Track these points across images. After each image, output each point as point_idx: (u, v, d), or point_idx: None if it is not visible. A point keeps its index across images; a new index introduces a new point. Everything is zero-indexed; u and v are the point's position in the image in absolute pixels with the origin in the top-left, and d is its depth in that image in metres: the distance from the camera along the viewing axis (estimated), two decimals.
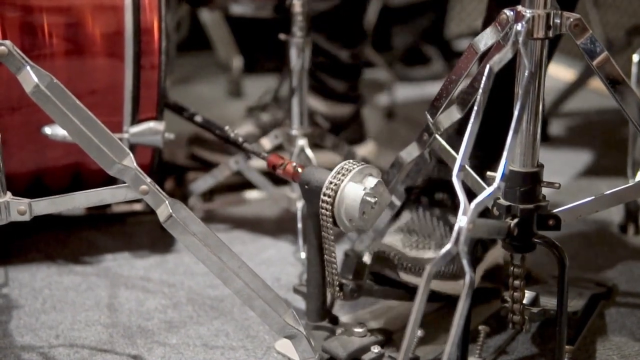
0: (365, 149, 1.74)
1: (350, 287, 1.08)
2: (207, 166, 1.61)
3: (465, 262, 0.81)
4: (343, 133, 1.69)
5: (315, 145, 1.44)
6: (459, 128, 1.05)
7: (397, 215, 1.22)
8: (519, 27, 0.92)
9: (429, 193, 1.23)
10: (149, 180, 0.98)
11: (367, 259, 1.14)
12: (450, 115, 1.05)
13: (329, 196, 1.03)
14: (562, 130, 1.99)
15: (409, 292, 1.12)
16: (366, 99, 1.84)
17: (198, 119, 1.43)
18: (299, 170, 1.09)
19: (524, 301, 1.04)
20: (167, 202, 0.99)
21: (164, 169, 1.58)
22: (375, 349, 1.07)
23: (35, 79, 0.94)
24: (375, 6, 2.36)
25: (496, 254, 1.22)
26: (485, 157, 1.18)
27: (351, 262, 1.13)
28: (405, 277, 1.13)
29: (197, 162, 1.67)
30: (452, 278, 1.14)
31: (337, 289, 1.07)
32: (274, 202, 1.47)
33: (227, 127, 1.38)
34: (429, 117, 1.06)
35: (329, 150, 1.50)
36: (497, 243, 1.22)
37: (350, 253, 1.25)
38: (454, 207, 1.20)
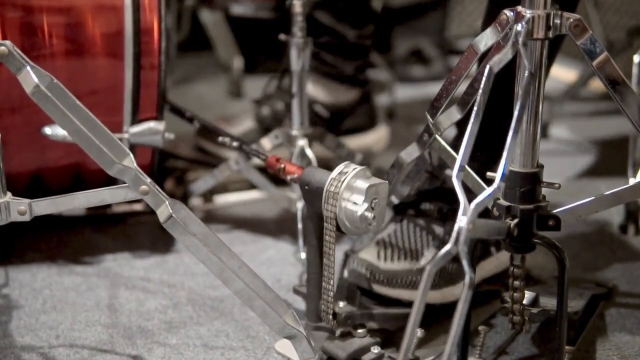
0: (374, 135, 1.70)
1: (344, 316, 1.08)
2: (211, 159, 1.61)
3: (465, 263, 0.81)
4: (349, 119, 1.66)
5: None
6: (462, 130, 1.05)
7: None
8: (519, 27, 0.92)
9: (417, 204, 1.23)
10: (149, 180, 0.98)
11: (345, 275, 1.15)
12: (450, 116, 1.05)
13: (332, 204, 1.02)
14: (562, 131, 1.99)
15: (402, 315, 1.13)
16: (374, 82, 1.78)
17: (196, 124, 1.43)
18: (299, 171, 1.09)
19: (524, 302, 1.04)
20: (167, 202, 0.99)
21: (165, 168, 1.58)
22: (375, 350, 1.07)
23: (36, 79, 0.94)
24: (375, 6, 2.36)
25: (502, 259, 1.22)
26: (487, 159, 1.18)
27: (343, 287, 1.13)
28: (378, 289, 1.14)
29: (202, 155, 1.66)
30: (433, 287, 1.14)
31: (331, 317, 1.07)
32: (274, 202, 1.47)
33: (220, 138, 1.37)
34: (429, 117, 1.06)
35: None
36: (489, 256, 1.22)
37: (350, 253, 1.25)
38: (440, 217, 1.20)
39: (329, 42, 1.63)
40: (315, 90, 1.64)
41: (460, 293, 0.81)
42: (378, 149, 1.72)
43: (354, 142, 1.67)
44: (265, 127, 1.64)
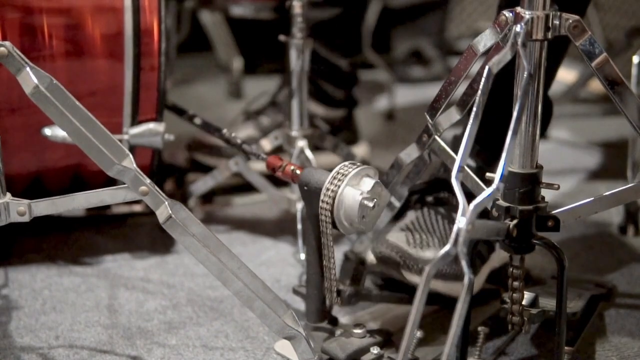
0: (361, 149, 1.74)
1: (348, 293, 1.08)
2: (206, 170, 1.61)
3: (464, 264, 0.81)
4: (339, 135, 1.69)
5: (315, 147, 1.44)
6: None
7: (401, 214, 1.22)
8: (518, 28, 0.93)
9: (434, 192, 1.23)
10: (148, 181, 0.99)
11: (371, 258, 1.14)
12: (449, 117, 1.05)
13: (327, 202, 1.03)
14: (561, 132, 1.99)
15: (409, 293, 1.12)
16: (365, 101, 1.84)
17: (197, 121, 1.43)
18: (298, 171, 1.09)
19: (524, 302, 1.04)
20: (166, 203, 0.99)
21: (164, 170, 1.58)
22: (375, 350, 1.07)
23: (35, 80, 0.94)
24: (375, 8, 2.37)
25: (503, 255, 1.22)
26: (491, 157, 1.18)
27: (349, 267, 1.13)
28: (410, 276, 1.12)
29: (197, 166, 1.67)
30: (456, 279, 1.14)
31: (335, 294, 1.07)
32: (273, 203, 1.47)
33: (224, 130, 1.37)
34: (428, 118, 1.06)
35: (328, 152, 1.50)
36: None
37: (349, 254, 1.25)
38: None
39: (323, 71, 1.69)
40: (314, 106, 1.67)
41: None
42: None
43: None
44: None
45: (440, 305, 1.16)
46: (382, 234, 1.18)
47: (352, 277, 1.12)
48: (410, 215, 1.20)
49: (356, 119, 1.78)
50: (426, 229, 1.17)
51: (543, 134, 1.32)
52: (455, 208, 1.18)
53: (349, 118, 1.76)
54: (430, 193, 1.23)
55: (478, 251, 1.18)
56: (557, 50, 1.20)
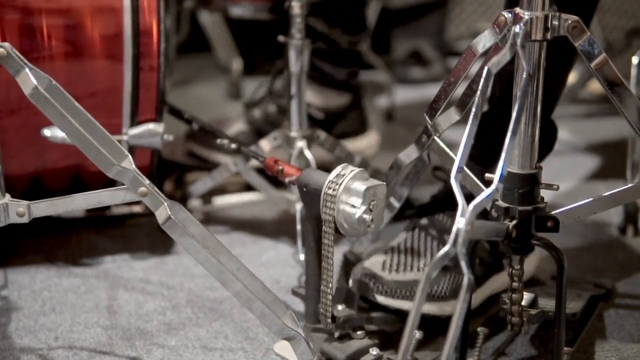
0: (366, 141, 1.71)
1: (342, 319, 1.08)
2: (204, 164, 1.61)
3: (463, 264, 0.81)
4: (341, 124, 1.66)
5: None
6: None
7: (400, 215, 1.21)
8: (517, 29, 0.93)
9: (430, 213, 1.22)
10: (147, 182, 0.98)
11: (350, 284, 1.15)
12: (449, 117, 1.05)
13: (330, 207, 1.02)
14: (560, 132, 1.98)
15: (400, 317, 1.12)
16: (367, 92, 1.79)
17: (194, 126, 1.43)
18: (298, 173, 1.09)
19: (523, 303, 1.04)
20: (165, 203, 0.99)
21: (164, 169, 1.58)
22: (374, 351, 1.07)
23: (34, 81, 0.94)
24: (375, 8, 2.37)
25: (499, 281, 1.21)
26: (491, 158, 1.17)
27: (342, 289, 1.13)
28: (382, 299, 1.13)
29: (195, 160, 1.66)
30: (439, 299, 1.14)
31: (329, 320, 1.07)
32: (273, 204, 1.47)
33: (218, 140, 1.37)
34: (427, 118, 1.06)
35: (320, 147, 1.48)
36: (502, 270, 1.21)
37: (349, 255, 1.25)
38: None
39: (321, 48, 1.63)
40: (309, 93, 1.63)
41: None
42: (369, 154, 1.72)
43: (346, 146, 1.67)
44: (256, 130, 1.64)
45: (433, 328, 1.15)
46: (364, 259, 1.19)
47: (345, 300, 1.12)
48: (401, 237, 1.21)
49: (365, 107, 1.72)
50: (410, 251, 1.17)
51: (542, 159, 1.30)
52: (447, 231, 1.18)
53: (355, 105, 1.69)
54: (427, 215, 1.22)
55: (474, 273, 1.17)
56: (563, 62, 1.19)
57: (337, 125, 1.65)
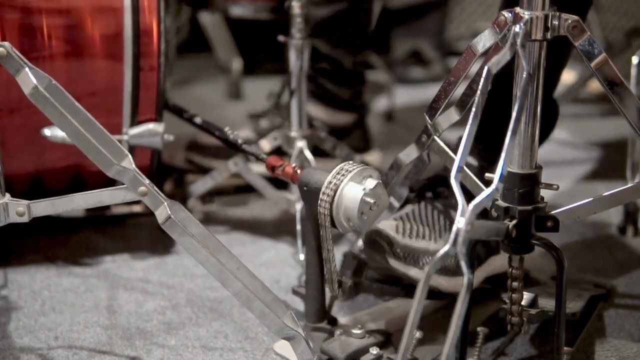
0: (370, 158, 1.72)
1: (349, 284, 1.08)
2: (204, 172, 1.61)
3: (463, 264, 0.81)
4: (345, 141, 1.67)
5: (316, 153, 1.43)
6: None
7: (400, 208, 1.22)
8: (517, 28, 0.93)
9: (434, 187, 1.22)
10: (147, 181, 0.98)
11: (359, 244, 1.13)
12: (449, 117, 1.05)
13: (328, 195, 1.03)
14: (560, 132, 1.99)
15: (406, 288, 1.12)
16: (367, 92, 1.80)
17: (197, 120, 1.44)
18: (298, 171, 1.09)
19: (523, 303, 1.04)
20: (165, 203, 0.99)
21: (164, 170, 1.58)
22: (374, 351, 1.07)
23: (34, 81, 0.94)
24: (375, 8, 2.36)
25: (498, 262, 1.21)
26: (492, 157, 1.18)
27: (350, 260, 1.13)
28: (394, 263, 1.11)
29: (195, 167, 1.67)
30: (451, 274, 1.13)
31: (336, 286, 1.07)
32: (273, 203, 1.47)
33: (227, 128, 1.38)
34: (427, 118, 1.06)
35: (330, 159, 1.48)
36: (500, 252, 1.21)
37: (349, 255, 1.25)
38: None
39: (326, 69, 1.64)
40: (315, 109, 1.64)
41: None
42: None
43: None
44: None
45: (438, 299, 1.16)
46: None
47: (354, 270, 1.12)
48: (407, 208, 1.20)
49: (368, 126, 1.74)
50: (419, 220, 1.16)
51: (546, 137, 1.31)
52: (452, 203, 1.18)
53: (359, 124, 1.71)
54: (430, 189, 1.22)
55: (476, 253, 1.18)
56: (561, 51, 1.19)
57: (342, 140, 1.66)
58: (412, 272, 1.11)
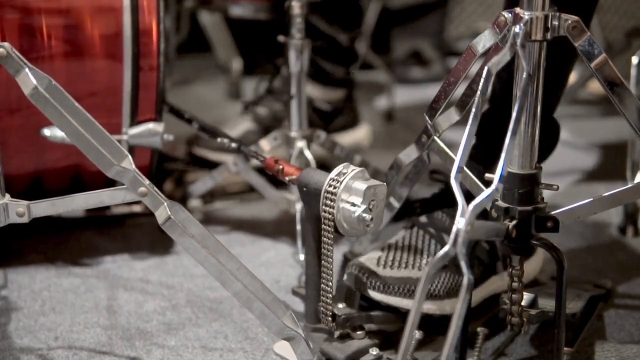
0: (363, 131, 1.73)
1: (342, 318, 1.08)
2: (206, 165, 1.61)
3: (463, 264, 0.81)
4: (339, 118, 1.68)
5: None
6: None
7: (401, 216, 1.21)
8: (517, 29, 0.93)
9: (430, 211, 1.22)
10: (147, 182, 0.98)
11: (345, 278, 1.14)
12: (449, 117, 1.05)
13: (330, 206, 1.02)
14: (560, 132, 1.99)
15: (401, 316, 1.12)
16: (364, 101, 1.83)
17: (195, 125, 1.43)
18: (298, 172, 1.09)
19: (523, 303, 1.04)
20: (165, 204, 0.99)
21: (164, 170, 1.58)
22: (374, 351, 1.07)
23: (34, 81, 0.94)
24: (374, 8, 2.37)
25: (498, 283, 1.21)
26: (492, 158, 1.17)
27: (342, 289, 1.13)
28: (374, 295, 1.12)
29: (196, 161, 1.66)
30: (433, 298, 1.13)
31: (330, 320, 1.07)
32: (273, 204, 1.47)
33: (219, 140, 1.37)
34: (427, 118, 1.06)
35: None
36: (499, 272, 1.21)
37: (348, 255, 1.25)
38: (451, 227, 1.19)
39: (322, 47, 1.64)
40: (312, 88, 1.65)
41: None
42: (365, 145, 1.77)
43: (347, 138, 1.72)
44: (264, 127, 1.64)
45: (433, 329, 1.14)
46: (360, 254, 1.19)
47: (346, 299, 1.12)
48: (399, 235, 1.20)
49: (356, 100, 1.76)
50: (407, 249, 1.16)
51: (543, 160, 1.30)
52: (445, 230, 1.18)
53: (349, 99, 1.73)
54: (426, 213, 1.22)
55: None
56: (564, 62, 1.19)
57: (337, 118, 1.67)
58: (393, 300, 1.11)
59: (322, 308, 1.07)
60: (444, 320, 1.09)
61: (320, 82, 1.68)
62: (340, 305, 1.09)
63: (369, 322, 1.12)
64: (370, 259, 1.15)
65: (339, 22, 1.66)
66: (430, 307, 1.12)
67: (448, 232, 1.16)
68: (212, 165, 1.56)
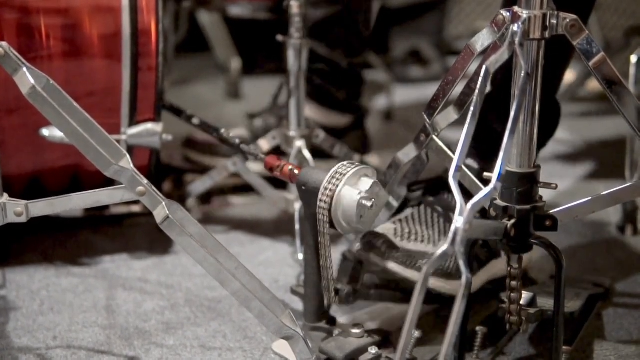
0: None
1: (345, 292, 1.08)
2: (201, 169, 1.61)
3: (461, 263, 0.81)
4: (343, 143, 1.67)
5: (315, 154, 1.42)
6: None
7: (399, 211, 1.21)
8: (515, 27, 0.93)
9: (435, 191, 1.22)
10: (145, 181, 0.98)
11: (357, 246, 1.13)
12: (447, 116, 1.05)
13: (325, 202, 1.02)
14: (559, 131, 1.98)
15: (404, 293, 1.12)
16: (364, 101, 1.81)
17: (195, 121, 1.44)
18: (296, 171, 1.09)
19: (521, 302, 1.04)
20: (164, 203, 0.99)
21: (162, 170, 1.58)
22: (373, 350, 1.07)
23: (32, 81, 0.94)
24: (374, 7, 2.36)
25: (502, 265, 1.21)
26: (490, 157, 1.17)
27: (347, 266, 1.13)
28: (392, 266, 1.11)
29: (192, 165, 1.66)
30: (446, 277, 1.13)
31: (333, 293, 1.07)
32: (272, 203, 1.47)
33: (222, 130, 1.38)
34: (426, 117, 1.06)
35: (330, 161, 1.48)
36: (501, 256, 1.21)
37: (347, 254, 1.25)
38: None
39: (322, 69, 1.64)
40: (311, 111, 1.63)
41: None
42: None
43: None
44: (256, 138, 1.64)
45: (440, 303, 1.15)
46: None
47: (350, 276, 1.11)
48: (407, 211, 1.20)
49: (367, 129, 1.73)
50: (418, 223, 1.16)
51: (549, 138, 1.30)
52: (452, 206, 1.17)
53: (356, 126, 1.70)
54: (432, 193, 1.22)
55: (476, 254, 1.17)
56: (563, 50, 1.19)
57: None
58: (410, 274, 1.11)
59: (324, 284, 1.06)
60: (452, 301, 1.10)
61: (319, 103, 1.65)
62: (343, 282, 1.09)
63: (372, 299, 1.10)
64: (386, 228, 1.14)
65: (340, 47, 1.64)
66: (444, 285, 1.11)
67: (454, 210, 1.17)
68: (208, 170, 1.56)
